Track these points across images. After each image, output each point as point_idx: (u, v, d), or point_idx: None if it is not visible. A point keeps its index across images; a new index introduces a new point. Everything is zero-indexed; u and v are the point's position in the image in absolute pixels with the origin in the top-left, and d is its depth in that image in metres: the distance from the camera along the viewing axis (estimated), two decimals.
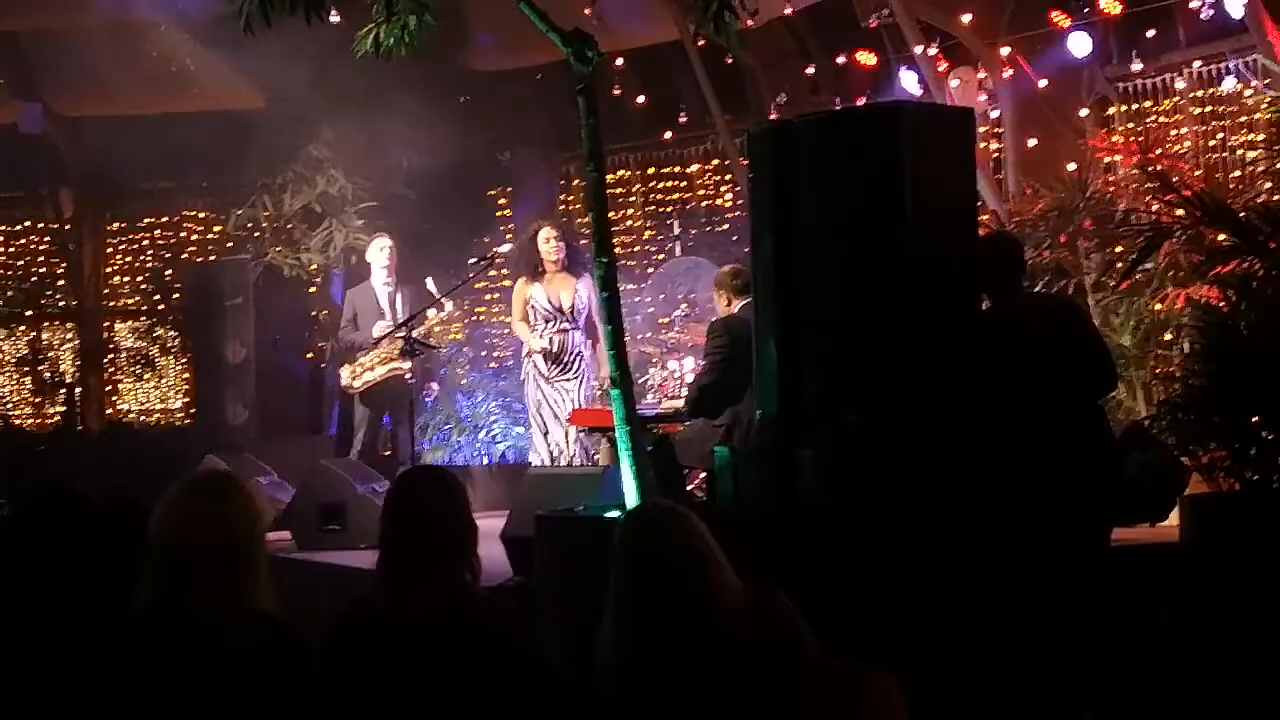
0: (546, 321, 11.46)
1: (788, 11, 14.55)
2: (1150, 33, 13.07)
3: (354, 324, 12.67)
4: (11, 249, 20.33)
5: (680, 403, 10.08)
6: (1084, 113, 13.41)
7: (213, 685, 3.90)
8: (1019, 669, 6.58)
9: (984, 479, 6.89)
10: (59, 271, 20.19)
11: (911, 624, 6.58)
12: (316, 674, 4.08)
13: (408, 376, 12.35)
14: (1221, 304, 7.79)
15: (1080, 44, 12.73)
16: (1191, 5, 12.15)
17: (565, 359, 11.48)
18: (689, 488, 10.17)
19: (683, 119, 16.63)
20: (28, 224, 20.17)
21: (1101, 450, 7.43)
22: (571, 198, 17.81)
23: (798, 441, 7.24)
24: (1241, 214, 8.02)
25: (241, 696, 3.92)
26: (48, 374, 19.99)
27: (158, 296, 19.51)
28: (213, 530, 4.05)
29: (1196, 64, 13.06)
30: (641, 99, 16.35)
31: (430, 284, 11.78)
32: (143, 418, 19.84)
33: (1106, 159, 12.01)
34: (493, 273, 15.22)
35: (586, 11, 13.34)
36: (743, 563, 3.99)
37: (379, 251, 12.84)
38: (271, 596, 4.13)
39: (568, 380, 11.45)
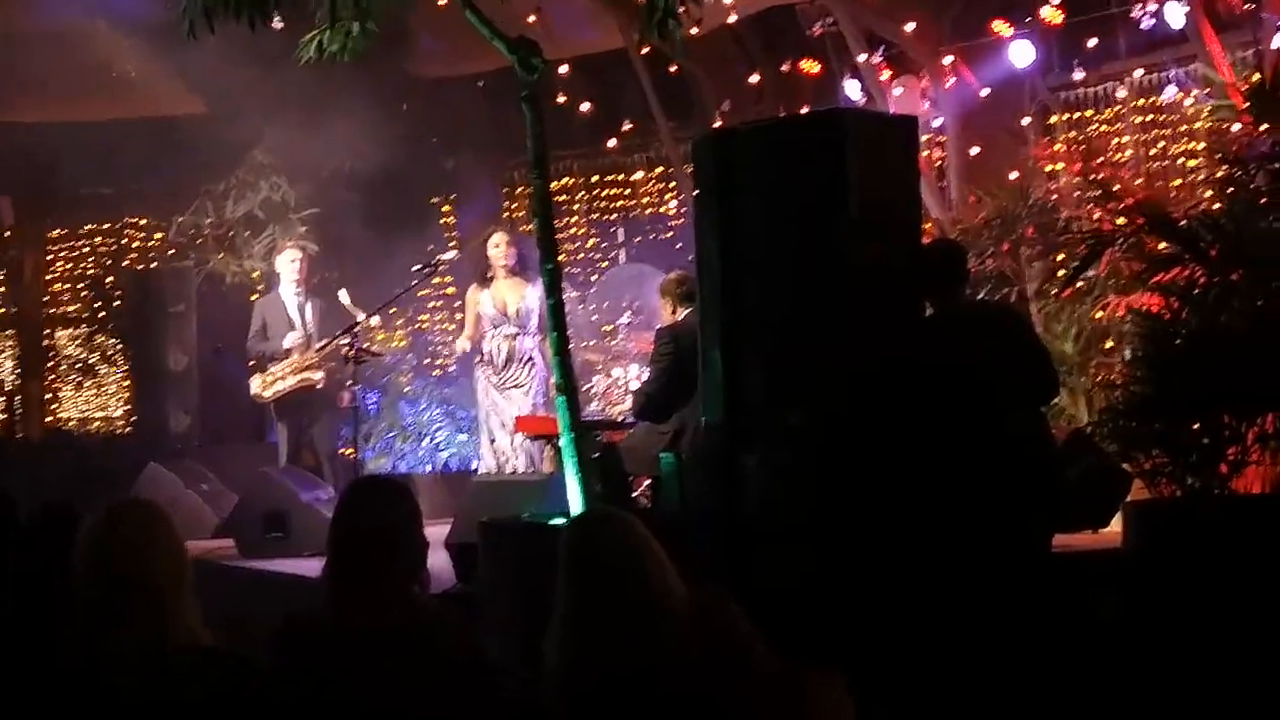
0: (494, 327, 11.44)
1: (732, 19, 14.58)
2: (1092, 42, 13.16)
3: (263, 334, 12.64)
4: None
5: (625, 408, 10.11)
6: (1026, 121, 13.49)
7: None
8: (966, 669, 6.60)
9: (926, 483, 6.92)
10: None
11: (859, 621, 6.60)
12: (261, 697, 4.01)
13: (319, 385, 12.34)
14: (1163, 311, 7.83)
15: (1022, 53, 12.81)
16: (1132, 15, 12.24)
17: (513, 365, 11.45)
18: (634, 495, 10.17)
19: (627, 126, 16.64)
20: None
21: (1043, 457, 7.45)
22: (516, 205, 17.79)
23: (744, 444, 7.25)
24: (1182, 222, 8.06)
25: None
26: None
27: (99, 304, 19.35)
28: (133, 563, 3.99)
29: (1138, 73, 13.17)
30: (586, 106, 16.34)
31: (343, 295, 11.75)
32: (83, 426, 19.69)
33: (1048, 167, 12.08)
34: (436, 280, 15.20)
35: (531, 19, 13.34)
36: (688, 568, 3.99)
37: (289, 263, 12.84)
38: (201, 628, 4.07)
39: (516, 387, 11.42)
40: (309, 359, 12.28)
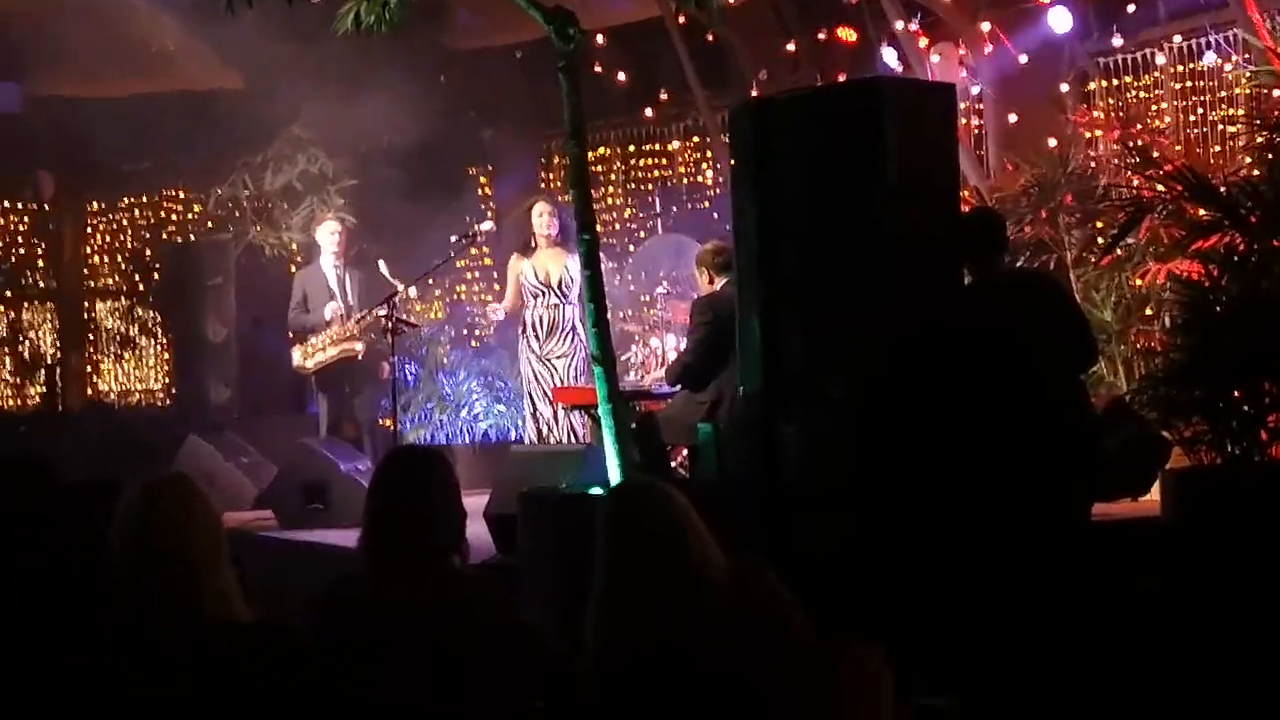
0: (535, 297, 11.43)
1: None
2: (1130, 8, 13.08)
3: (304, 306, 12.61)
4: None
5: (658, 376, 10.13)
6: (1064, 88, 13.41)
7: (188, 699, 3.86)
8: (1005, 638, 6.60)
9: (966, 451, 6.91)
10: (39, 252, 20.11)
11: (899, 590, 6.61)
12: (299, 669, 4.01)
13: (360, 356, 12.36)
14: (1202, 278, 7.80)
15: (1060, 19, 12.73)
16: None
17: (556, 335, 11.45)
18: (672, 464, 10.18)
19: (664, 96, 16.60)
20: (6, 205, 20.03)
21: (1082, 423, 7.44)
22: (553, 175, 17.77)
23: (783, 412, 7.26)
24: (1222, 188, 8.03)
25: (222, 709, 3.87)
26: (28, 354, 19.92)
27: (138, 276, 19.45)
28: (171, 539, 3.98)
29: (1177, 39, 13.07)
30: (622, 76, 16.31)
31: (383, 266, 11.75)
32: (123, 398, 19.78)
33: (1087, 134, 12.02)
34: (474, 251, 15.20)
35: None
36: (726, 537, 3.99)
37: (328, 235, 12.82)
38: (241, 602, 4.07)
39: (559, 357, 11.42)
40: (349, 330, 12.29)
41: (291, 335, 12.95)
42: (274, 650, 3.93)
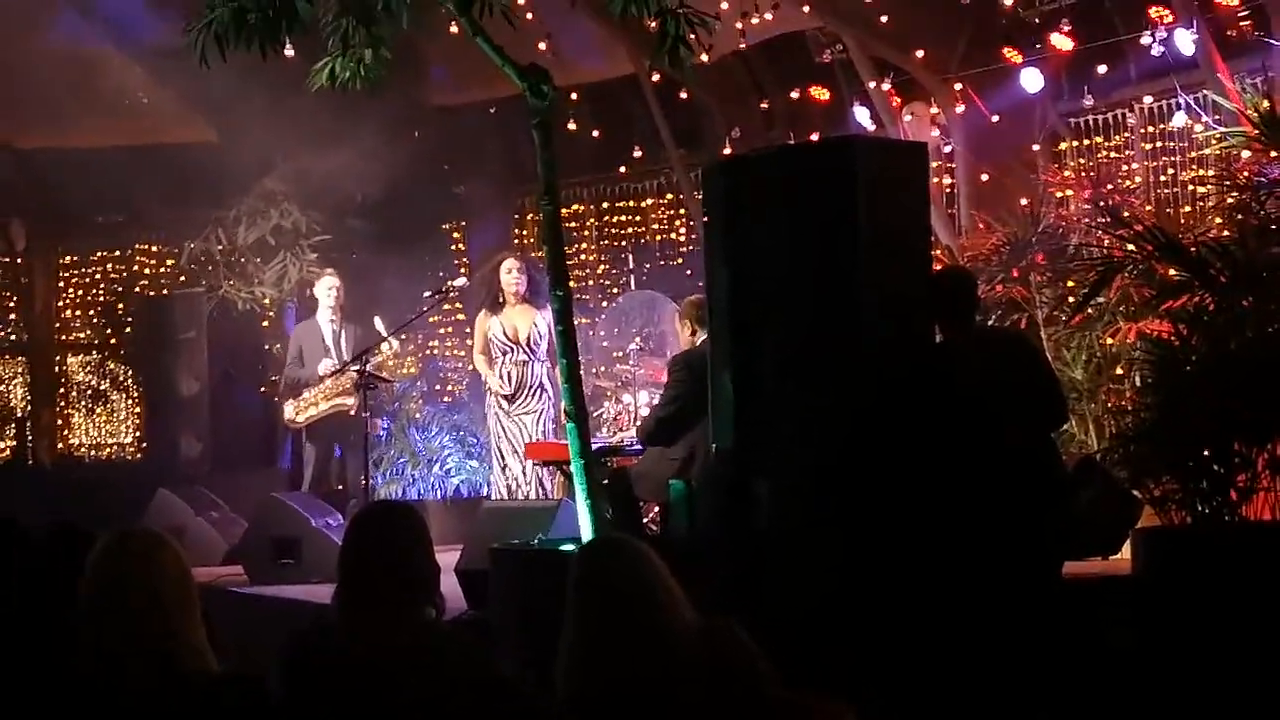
0: (504, 354, 11.42)
1: (742, 46, 14.61)
2: (1101, 69, 13.18)
3: (300, 360, 12.66)
4: None
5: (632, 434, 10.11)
6: (1036, 147, 13.49)
7: None
8: (978, 694, 6.59)
9: (938, 512, 6.92)
10: (10, 305, 20.06)
11: (870, 646, 6.61)
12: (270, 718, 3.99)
13: (352, 412, 12.33)
14: (1172, 338, 7.84)
15: (1032, 80, 12.83)
16: (1142, 42, 12.26)
17: (524, 392, 11.43)
18: (644, 521, 10.16)
19: (637, 153, 16.65)
20: None
21: (1054, 483, 7.45)
22: (526, 231, 17.81)
23: (755, 470, 7.27)
24: (1192, 248, 8.07)
25: None
26: None
27: (110, 330, 19.40)
28: (140, 591, 3.97)
29: (1147, 100, 13.18)
30: (596, 133, 16.37)
31: (378, 322, 11.79)
32: (94, 452, 19.71)
33: (1058, 193, 12.09)
34: (446, 306, 15.21)
35: (542, 46, 13.36)
36: (696, 594, 3.99)
37: (326, 291, 12.86)
38: (211, 655, 4.05)
39: (527, 414, 11.41)
40: (341, 385, 12.30)
41: (279, 389, 12.92)
42: (245, 700, 3.91)
